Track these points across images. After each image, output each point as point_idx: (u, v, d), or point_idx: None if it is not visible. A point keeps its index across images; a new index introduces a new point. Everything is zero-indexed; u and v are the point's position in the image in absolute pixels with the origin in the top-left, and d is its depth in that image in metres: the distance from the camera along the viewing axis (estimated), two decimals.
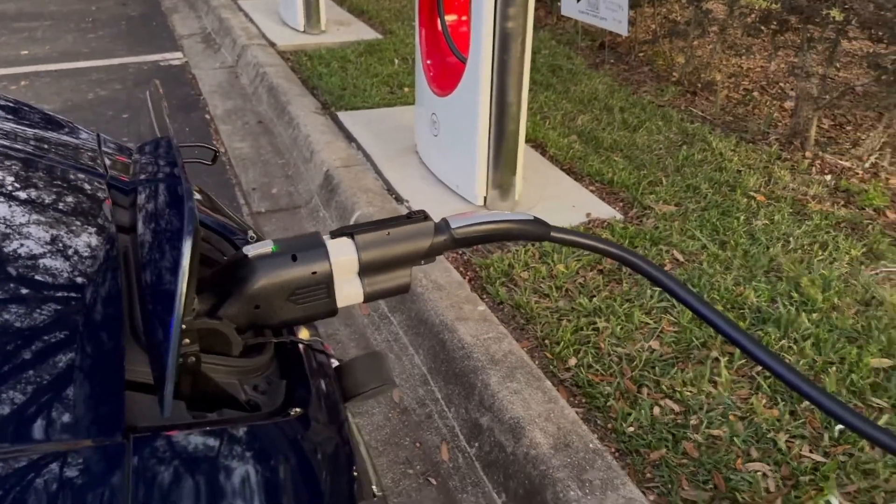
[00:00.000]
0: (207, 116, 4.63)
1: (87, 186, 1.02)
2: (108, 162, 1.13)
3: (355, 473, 0.96)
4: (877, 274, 2.64)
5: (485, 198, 3.09)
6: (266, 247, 0.94)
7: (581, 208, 3.14)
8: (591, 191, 3.31)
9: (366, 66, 4.92)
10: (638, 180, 3.34)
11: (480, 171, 3.03)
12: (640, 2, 4.56)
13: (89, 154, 1.14)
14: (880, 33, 3.06)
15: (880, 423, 2.00)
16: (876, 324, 2.36)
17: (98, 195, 1.01)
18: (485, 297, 2.60)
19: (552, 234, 1.15)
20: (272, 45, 5.49)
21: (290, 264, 0.93)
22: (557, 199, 3.23)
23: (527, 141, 3.73)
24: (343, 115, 4.16)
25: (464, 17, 3.26)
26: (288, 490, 0.75)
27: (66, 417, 0.65)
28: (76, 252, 0.87)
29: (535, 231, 1.17)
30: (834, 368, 2.18)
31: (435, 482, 2.07)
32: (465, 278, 2.69)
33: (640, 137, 3.80)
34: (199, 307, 0.86)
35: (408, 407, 2.33)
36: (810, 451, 1.92)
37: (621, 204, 3.21)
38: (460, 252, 2.83)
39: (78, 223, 0.93)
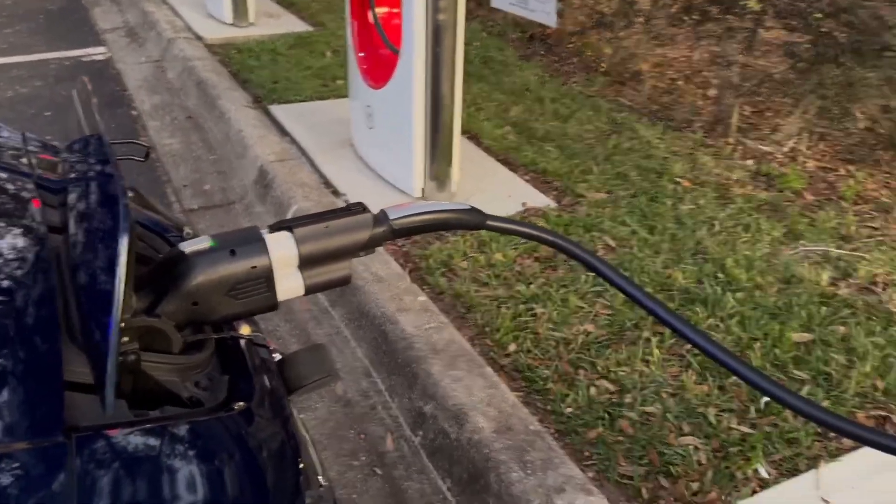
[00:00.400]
0: (134, 112, 4.50)
1: (12, 187, 1.00)
2: (34, 161, 1.11)
3: (301, 466, 0.97)
4: (796, 253, 2.79)
5: (422, 189, 3.11)
6: (203, 243, 0.93)
7: (517, 198, 3.20)
8: (526, 180, 3.37)
9: (297, 59, 4.87)
10: (570, 169, 3.42)
11: (417, 163, 3.05)
12: None
13: (13, 153, 1.11)
14: (794, 23, 3.21)
15: (802, 393, 2.12)
16: (796, 300, 2.49)
17: (25, 195, 0.99)
18: (425, 287, 2.62)
19: (488, 222, 1.18)
20: (199, 38, 5.36)
21: (229, 259, 0.93)
22: (493, 189, 3.28)
23: (462, 132, 3.77)
24: (276, 109, 4.11)
25: (395, 10, 3.26)
26: (233, 484, 0.76)
27: (3, 420, 0.64)
28: (3, 254, 0.85)
29: (472, 220, 1.20)
30: (759, 344, 2.30)
31: (380, 472, 2.09)
32: (405, 270, 2.71)
33: (571, 127, 3.88)
34: (136, 305, 0.86)
35: (351, 399, 2.34)
36: (738, 424, 2.03)
37: (555, 192, 3.28)
38: (399, 244, 2.85)
39: (3, 224, 0.91)
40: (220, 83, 4.44)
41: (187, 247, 0.91)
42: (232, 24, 5.56)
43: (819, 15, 3.06)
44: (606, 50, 4.65)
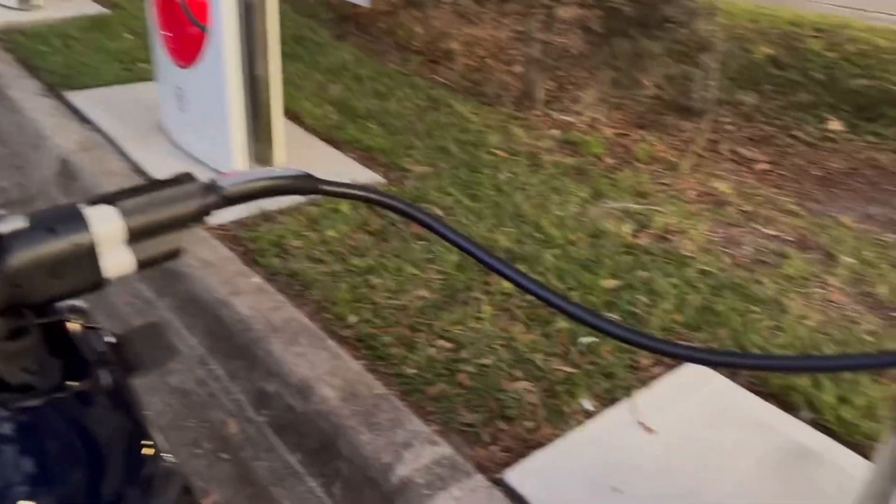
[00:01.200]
0: None
1: None
2: None
3: (146, 444, 0.95)
4: (601, 210, 3.06)
5: None
6: (18, 222, 0.89)
7: (345, 175, 3.21)
8: (353, 158, 3.40)
9: (93, 43, 4.51)
10: (394, 145, 3.50)
11: (237, 144, 2.97)
12: None
13: None
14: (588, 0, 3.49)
15: None
16: (604, 252, 2.75)
17: None
18: (258, 269, 2.58)
19: (322, 186, 1.21)
20: None
21: (48, 238, 0.89)
22: (320, 168, 3.24)
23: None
24: (73, 96, 3.79)
25: None
26: (71, 466, 0.74)
27: None
28: None
29: (306, 185, 1.22)
30: (575, 293, 2.52)
31: (227, 456, 2.06)
32: (234, 253, 2.65)
33: (391, 105, 3.96)
34: None
35: (188, 389, 2.27)
36: (563, 365, 2.22)
37: (382, 168, 3.34)
38: (226, 228, 2.77)
39: None
40: (7, 71, 4.02)
41: (1, 227, 0.86)
42: (17, 9, 5.03)
43: None
44: (418, 30, 4.77)
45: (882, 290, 2.65)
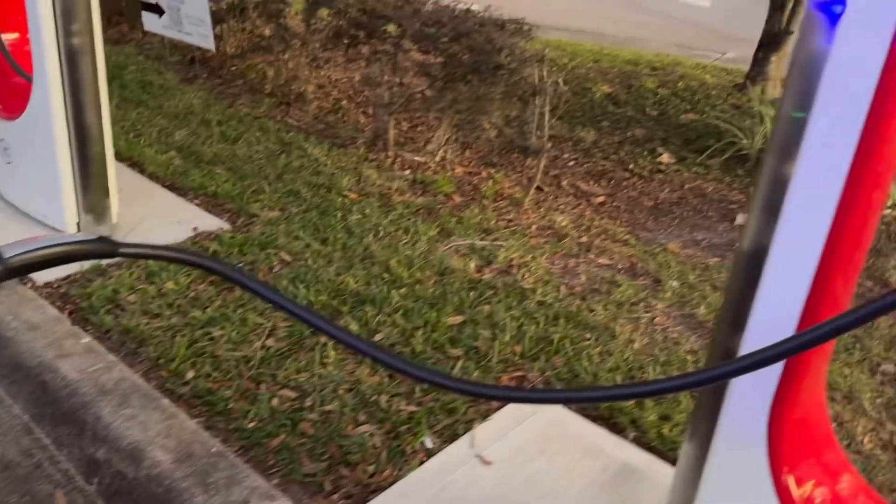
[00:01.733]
0: None
1: None
2: None
3: None
4: (449, 248, 3.16)
5: (77, 224, 2.90)
6: None
7: (187, 223, 3.14)
8: (197, 205, 3.33)
9: None
10: (242, 190, 3.46)
11: (67, 196, 2.84)
12: (225, 18, 4.67)
13: None
14: (427, 47, 3.62)
15: (455, 368, 2.43)
16: (450, 289, 2.83)
17: None
18: (89, 328, 2.47)
19: (121, 250, 1.19)
20: None
21: None
22: (161, 216, 3.18)
23: (122, 160, 3.59)
24: None
25: (24, 35, 3.00)
26: None
27: None
28: None
29: (102, 249, 1.20)
30: (420, 331, 2.57)
31: None
32: (63, 313, 2.51)
33: (240, 149, 3.91)
34: None
35: (11, 461, 2.12)
36: (406, 405, 2.25)
37: (228, 214, 3.29)
38: (54, 286, 2.63)
39: None
40: None
41: None
42: None
43: (445, 39, 3.51)
44: (270, 72, 4.76)
45: (702, 311, 2.89)
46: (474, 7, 3.86)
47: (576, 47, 7.62)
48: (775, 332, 0.79)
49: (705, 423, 1.39)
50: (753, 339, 0.96)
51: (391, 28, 3.75)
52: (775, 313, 0.79)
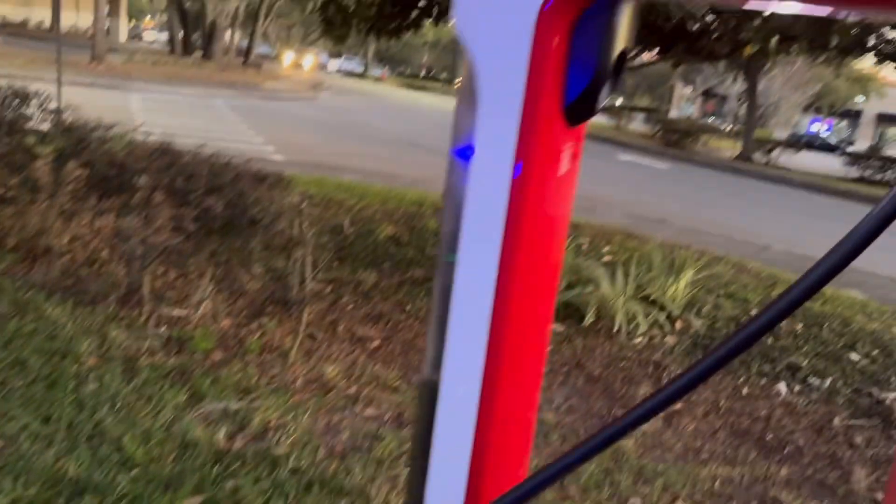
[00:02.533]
0: None
1: None
2: None
3: None
4: (197, 415, 2.87)
5: None
6: None
7: None
8: None
9: None
10: None
11: None
12: None
13: None
14: (180, 200, 3.47)
15: None
16: (190, 465, 2.53)
17: None
18: None
19: None
20: None
21: None
22: None
23: None
24: None
25: None
26: None
27: None
28: None
29: None
30: None
31: None
32: None
33: None
34: None
35: None
36: None
37: None
38: None
39: None
40: None
41: None
42: None
43: (198, 192, 3.38)
44: (13, 226, 4.33)
45: None
46: (234, 160, 3.81)
47: (366, 189, 7.84)
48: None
49: None
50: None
51: (143, 181, 3.57)
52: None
